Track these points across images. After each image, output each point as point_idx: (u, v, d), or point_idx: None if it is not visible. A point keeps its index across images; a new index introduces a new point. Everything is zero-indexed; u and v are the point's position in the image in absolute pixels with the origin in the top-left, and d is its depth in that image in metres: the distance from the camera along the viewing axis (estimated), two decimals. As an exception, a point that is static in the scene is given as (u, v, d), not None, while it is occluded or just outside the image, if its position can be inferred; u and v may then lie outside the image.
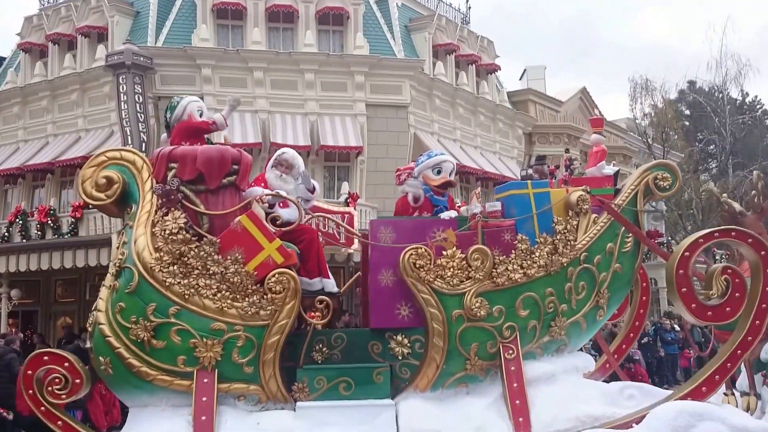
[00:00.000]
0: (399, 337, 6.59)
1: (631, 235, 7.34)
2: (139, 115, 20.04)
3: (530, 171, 7.54)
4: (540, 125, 26.30)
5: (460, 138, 24.56)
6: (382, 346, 6.63)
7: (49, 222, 20.34)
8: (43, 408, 5.60)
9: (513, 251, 6.71)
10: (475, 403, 6.40)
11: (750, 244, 6.56)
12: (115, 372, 6.15)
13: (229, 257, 6.18)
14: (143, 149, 19.29)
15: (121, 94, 20.00)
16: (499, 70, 27.21)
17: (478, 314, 6.46)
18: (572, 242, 6.98)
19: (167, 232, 6.17)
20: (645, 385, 7.33)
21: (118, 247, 6.46)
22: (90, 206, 6.66)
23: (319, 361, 6.54)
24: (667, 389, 7.97)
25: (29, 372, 5.58)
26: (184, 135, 6.87)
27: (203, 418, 5.89)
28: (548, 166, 7.83)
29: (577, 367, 7.20)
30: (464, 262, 6.53)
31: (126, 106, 19.93)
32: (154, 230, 6.25)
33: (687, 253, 6.38)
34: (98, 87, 21.67)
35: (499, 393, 6.53)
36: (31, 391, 5.55)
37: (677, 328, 20.48)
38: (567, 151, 9.18)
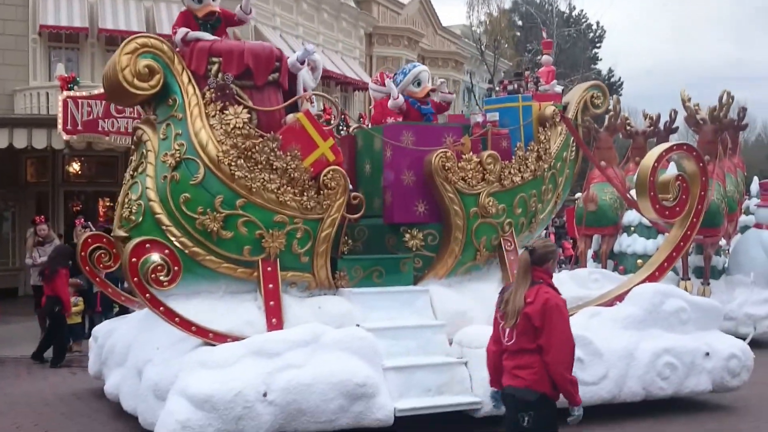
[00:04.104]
0: (414, 231, 7.34)
1: (575, 145, 8.60)
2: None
3: (515, 86, 8.43)
4: (381, 26, 26.82)
5: (302, 34, 24.50)
6: (396, 239, 7.36)
7: None
8: (148, 295, 5.66)
9: (512, 157, 7.65)
10: (484, 288, 7.39)
11: (693, 156, 8.04)
12: (169, 260, 6.26)
13: (289, 153, 6.47)
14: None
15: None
16: (344, -33, 27.14)
17: (490, 212, 7.38)
18: (549, 150, 8.07)
19: (231, 126, 6.29)
20: (605, 271, 8.79)
21: (165, 139, 6.43)
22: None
23: (345, 252, 7.12)
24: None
25: (134, 260, 5.58)
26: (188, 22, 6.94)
27: (272, 303, 6.30)
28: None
29: (541, 257, 8.45)
30: (479, 166, 7.36)
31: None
32: (211, 123, 6.34)
33: (656, 164, 7.70)
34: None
35: (498, 278, 7.58)
36: (136, 279, 5.57)
37: None
38: (527, 69, 10.16)
